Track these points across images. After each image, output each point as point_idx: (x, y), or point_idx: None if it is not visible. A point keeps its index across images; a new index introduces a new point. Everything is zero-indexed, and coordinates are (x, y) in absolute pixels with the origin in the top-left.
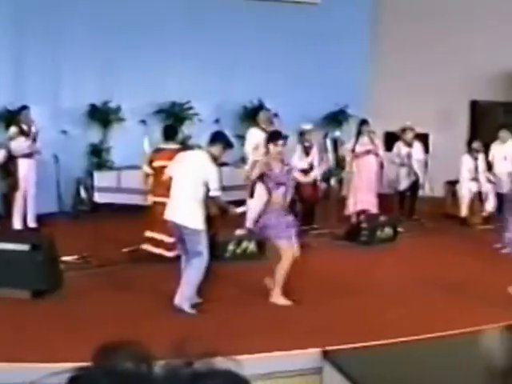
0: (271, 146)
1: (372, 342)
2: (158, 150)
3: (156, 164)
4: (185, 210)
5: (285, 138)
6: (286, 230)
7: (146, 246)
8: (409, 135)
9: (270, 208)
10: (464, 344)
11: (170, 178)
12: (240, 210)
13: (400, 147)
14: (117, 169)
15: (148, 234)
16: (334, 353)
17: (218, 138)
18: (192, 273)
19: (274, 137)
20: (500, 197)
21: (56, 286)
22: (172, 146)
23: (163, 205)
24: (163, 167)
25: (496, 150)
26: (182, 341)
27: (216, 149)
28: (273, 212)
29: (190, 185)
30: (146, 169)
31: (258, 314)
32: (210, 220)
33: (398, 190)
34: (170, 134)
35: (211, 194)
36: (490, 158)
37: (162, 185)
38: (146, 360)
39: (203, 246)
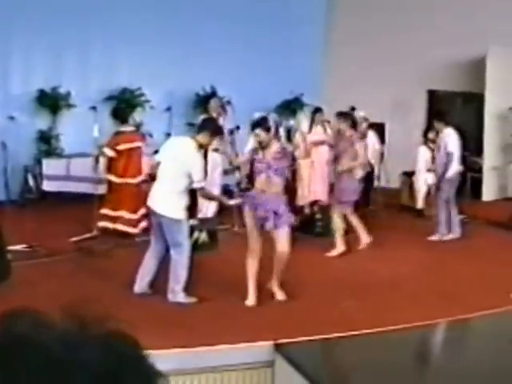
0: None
1: (324, 335)
2: (119, 133)
3: (122, 147)
4: (164, 198)
5: (237, 128)
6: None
7: (104, 224)
8: (363, 124)
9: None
10: (414, 337)
11: (158, 164)
12: (232, 202)
13: None
14: (66, 156)
15: (105, 211)
16: (286, 346)
17: (204, 125)
18: (176, 269)
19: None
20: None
21: (3, 275)
22: (130, 128)
23: (132, 186)
24: (130, 149)
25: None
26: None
27: (202, 136)
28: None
29: (171, 173)
30: (110, 152)
31: (206, 308)
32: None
33: None
34: (124, 116)
35: (194, 185)
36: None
37: (130, 166)
38: (43, 325)
39: (183, 237)
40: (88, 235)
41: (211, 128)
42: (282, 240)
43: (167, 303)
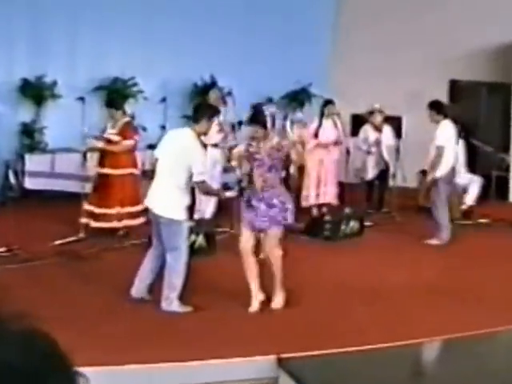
0: None
1: (331, 350)
2: (129, 123)
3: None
4: (163, 197)
5: (238, 123)
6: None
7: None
8: (377, 118)
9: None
10: (428, 353)
11: (156, 160)
12: (228, 194)
13: (367, 132)
14: (51, 151)
15: (92, 208)
16: (291, 360)
17: (200, 112)
18: (171, 275)
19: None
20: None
21: None
22: (128, 118)
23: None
24: None
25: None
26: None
27: (201, 125)
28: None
29: (171, 168)
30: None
31: (203, 317)
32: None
33: (365, 180)
34: (123, 106)
35: (195, 178)
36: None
37: (131, 157)
38: None
39: (181, 240)
40: (74, 238)
41: (207, 113)
42: (270, 241)
43: (160, 312)
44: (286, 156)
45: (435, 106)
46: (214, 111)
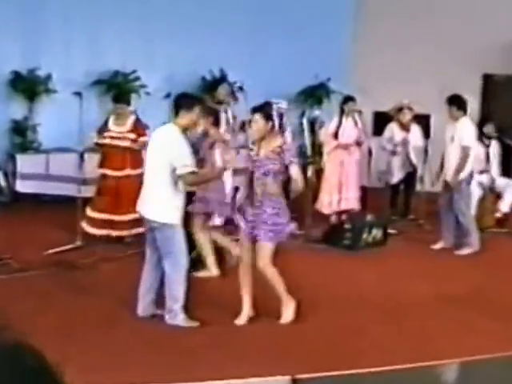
0: None
1: (350, 370)
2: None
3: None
4: (152, 199)
5: (250, 121)
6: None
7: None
8: (406, 116)
9: None
10: (457, 375)
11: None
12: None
13: (394, 131)
14: (45, 151)
15: (95, 214)
16: (306, 382)
17: (179, 103)
18: (171, 285)
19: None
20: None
21: None
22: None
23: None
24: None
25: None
26: None
27: (182, 117)
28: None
29: (155, 168)
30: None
31: (210, 333)
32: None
33: (389, 184)
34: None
35: (178, 171)
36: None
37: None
38: None
39: (176, 245)
40: (70, 246)
41: (186, 104)
42: (261, 252)
43: (163, 326)
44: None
45: (455, 101)
46: (194, 101)
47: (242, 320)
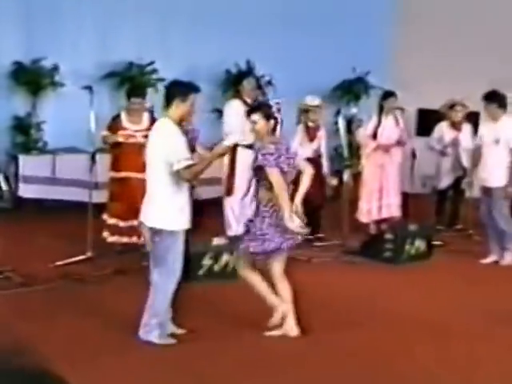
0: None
1: None
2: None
3: None
4: (152, 203)
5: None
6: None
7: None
8: (459, 114)
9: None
10: None
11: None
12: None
13: (444, 130)
14: (50, 152)
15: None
16: None
17: (170, 93)
18: (155, 296)
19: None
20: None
21: None
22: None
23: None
24: None
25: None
26: None
27: (173, 108)
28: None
29: (154, 169)
30: None
31: (240, 352)
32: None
33: (437, 189)
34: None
35: (175, 167)
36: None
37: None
38: None
39: (172, 255)
40: (79, 257)
41: (175, 94)
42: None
43: (183, 350)
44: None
45: (494, 98)
46: (188, 90)
47: (275, 319)
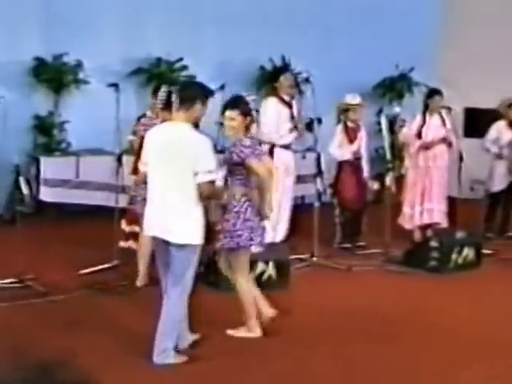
0: None
1: None
2: None
3: None
4: (175, 216)
5: (318, 120)
6: None
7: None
8: (509, 114)
9: None
10: None
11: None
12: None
13: (501, 130)
14: (74, 154)
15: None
16: None
17: (189, 95)
18: (172, 318)
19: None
20: None
21: None
22: None
23: None
24: None
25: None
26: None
27: (191, 113)
28: None
29: (178, 179)
30: None
31: (270, 366)
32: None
33: (489, 193)
34: None
35: (202, 178)
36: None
37: None
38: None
39: (192, 270)
40: (105, 265)
41: (200, 95)
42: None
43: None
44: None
45: None
46: (205, 92)
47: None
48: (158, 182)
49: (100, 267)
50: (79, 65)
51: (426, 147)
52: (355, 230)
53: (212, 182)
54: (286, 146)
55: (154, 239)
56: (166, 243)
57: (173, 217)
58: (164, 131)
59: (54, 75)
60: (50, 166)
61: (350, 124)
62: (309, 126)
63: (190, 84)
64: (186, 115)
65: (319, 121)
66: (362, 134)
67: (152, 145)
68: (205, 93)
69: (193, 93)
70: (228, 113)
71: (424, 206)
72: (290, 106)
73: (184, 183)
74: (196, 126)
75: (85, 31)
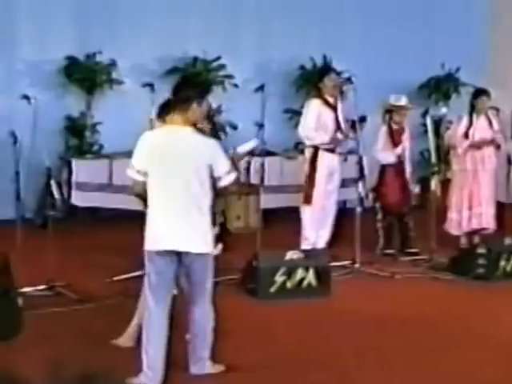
0: None
1: None
2: None
3: None
4: (195, 227)
5: (361, 119)
6: None
7: None
8: None
9: None
10: None
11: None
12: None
13: None
14: (107, 156)
15: None
16: None
17: (186, 96)
18: (208, 326)
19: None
20: None
21: (11, 331)
22: None
23: None
24: None
25: None
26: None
27: (192, 114)
28: None
29: (196, 187)
30: None
31: (311, 377)
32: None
33: None
34: None
35: (224, 182)
36: None
37: None
38: None
39: (211, 279)
40: (138, 272)
41: (182, 100)
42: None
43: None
44: None
45: None
46: (191, 96)
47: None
48: (165, 193)
49: (134, 274)
50: (113, 64)
51: (476, 147)
52: (401, 236)
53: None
54: (330, 150)
55: (159, 254)
56: (178, 255)
57: (189, 226)
58: (164, 137)
59: (87, 75)
60: (82, 169)
61: (394, 126)
62: (352, 127)
63: (184, 84)
64: (187, 117)
65: (362, 119)
66: (406, 136)
67: (153, 153)
68: (201, 92)
69: (188, 94)
70: None
71: (472, 211)
72: (334, 108)
73: (195, 191)
74: (201, 130)
75: (119, 29)
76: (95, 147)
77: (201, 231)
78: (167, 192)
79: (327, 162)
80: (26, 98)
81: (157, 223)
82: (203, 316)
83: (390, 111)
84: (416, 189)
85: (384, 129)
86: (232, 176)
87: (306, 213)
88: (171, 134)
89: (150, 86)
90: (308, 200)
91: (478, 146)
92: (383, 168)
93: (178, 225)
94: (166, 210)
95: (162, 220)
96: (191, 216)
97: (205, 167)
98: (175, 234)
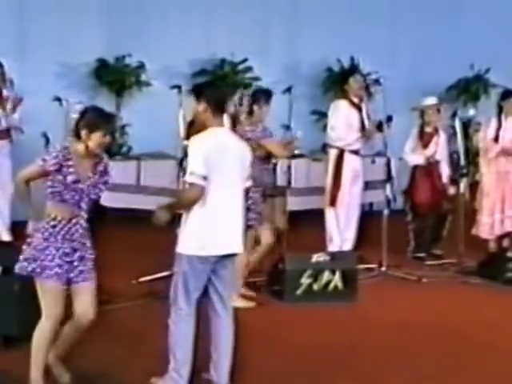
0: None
1: None
2: None
3: None
4: (237, 229)
5: (388, 119)
6: None
7: None
8: None
9: None
10: None
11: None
12: None
13: None
14: (135, 158)
15: None
16: None
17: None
18: (232, 336)
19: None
20: None
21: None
22: None
23: None
24: None
25: None
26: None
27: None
28: None
29: (239, 188)
30: None
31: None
32: None
33: None
34: None
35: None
36: None
37: None
38: None
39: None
40: (165, 273)
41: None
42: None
43: None
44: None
45: None
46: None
47: None
48: (222, 197)
49: (160, 275)
50: (141, 66)
51: (507, 153)
52: (433, 237)
53: None
54: (355, 152)
55: (202, 258)
56: (222, 258)
57: (237, 228)
58: (222, 140)
59: (116, 77)
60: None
61: (426, 128)
62: (379, 128)
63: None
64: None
65: (389, 119)
66: (440, 138)
67: (214, 156)
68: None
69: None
70: None
71: (505, 214)
72: (359, 108)
73: (240, 192)
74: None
75: (147, 32)
76: (124, 149)
77: (240, 232)
78: (223, 196)
79: (352, 164)
80: (58, 99)
81: (214, 230)
82: (231, 324)
83: (421, 113)
84: (452, 190)
85: (415, 130)
86: (249, 183)
87: (331, 215)
88: (221, 137)
89: (178, 87)
90: (333, 202)
91: (508, 152)
92: (414, 169)
93: (230, 228)
94: (222, 216)
95: (219, 226)
96: (240, 217)
97: (246, 171)
98: (229, 237)
